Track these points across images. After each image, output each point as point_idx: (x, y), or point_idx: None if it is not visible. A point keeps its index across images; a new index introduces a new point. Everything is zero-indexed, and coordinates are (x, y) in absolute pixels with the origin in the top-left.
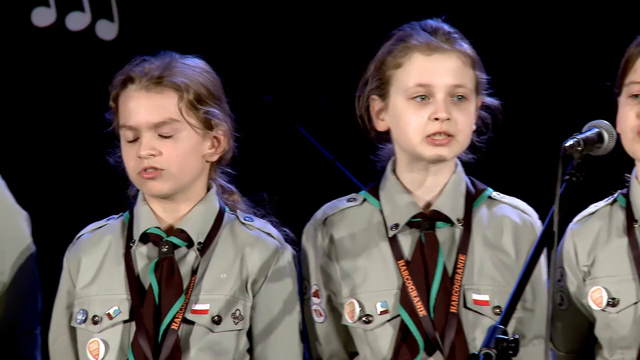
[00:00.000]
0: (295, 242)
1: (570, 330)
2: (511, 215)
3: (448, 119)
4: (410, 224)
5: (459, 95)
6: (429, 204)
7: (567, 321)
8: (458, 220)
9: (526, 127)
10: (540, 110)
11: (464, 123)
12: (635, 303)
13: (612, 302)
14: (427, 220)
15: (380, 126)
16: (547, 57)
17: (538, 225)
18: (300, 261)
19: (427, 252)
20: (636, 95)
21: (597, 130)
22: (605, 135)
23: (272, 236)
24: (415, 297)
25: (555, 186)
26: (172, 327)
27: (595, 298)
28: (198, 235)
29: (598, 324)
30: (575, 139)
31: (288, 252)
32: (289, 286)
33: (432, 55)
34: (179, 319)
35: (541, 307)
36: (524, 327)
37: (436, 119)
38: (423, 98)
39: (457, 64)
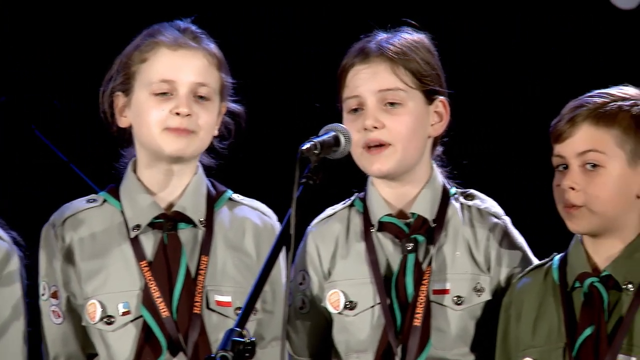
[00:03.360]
0: (25, 246)
1: (311, 334)
2: (252, 217)
3: (189, 114)
4: (152, 225)
5: (202, 95)
6: (171, 205)
7: (308, 325)
8: (200, 221)
9: (265, 129)
10: (280, 111)
11: (206, 121)
12: (373, 306)
13: (350, 305)
14: (169, 221)
15: (123, 122)
16: (288, 60)
17: (277, 227)
18: (38, 262)
19: (170, 253)
20: (355, 110)
21: (333, 133)
22: (342, 139)
23: (1, 239)
24: (158, 298)
25: (292, 189)
26: None
27: (333, 301)
28: None
29: (335, 327)
30: (311, 142)
31: (17, 256)
32: (18, 291)
33: (178, 50)
34: None
35: (281, 308)
36: (263, 329)
37: (177, 113)
38: (165, 94)
39: (202, 62)
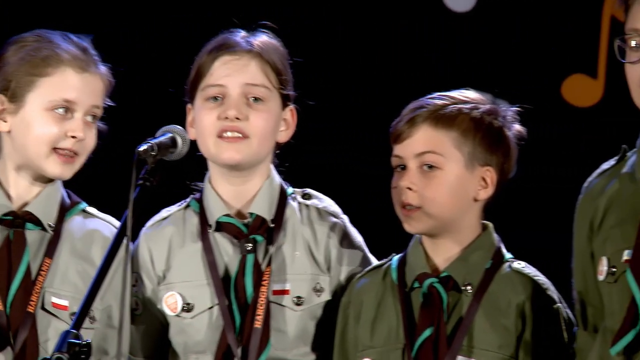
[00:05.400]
0: None
1: (145, 335)
2: (102, 229)
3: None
4: (1, 222)
5: (94, 115)
6: (24, 205)
7: (142, 327)
8: (49, 225)
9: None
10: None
11: (91, 143)
12: (211, 307)
13: (187, 307)
14: (18, 219)
15: (2, 127)
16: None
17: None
18: None
19: (14, 249)
20: (215, 98)
21: (170, 135)
22: (179, 140)
23: None
24: None
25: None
26: None
27: (170, 304)
28: None
29: (172, 329)
30: (148, 144)
31: None
32: None
33: (83, 74)
34: None
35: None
36: (107, 344)
37: (73, 137)
38: (61, 112)
39: (100, 87)
